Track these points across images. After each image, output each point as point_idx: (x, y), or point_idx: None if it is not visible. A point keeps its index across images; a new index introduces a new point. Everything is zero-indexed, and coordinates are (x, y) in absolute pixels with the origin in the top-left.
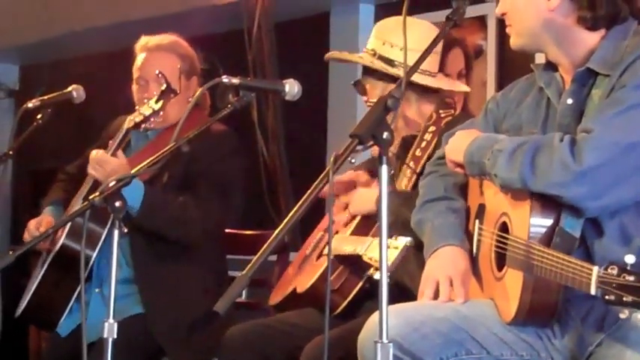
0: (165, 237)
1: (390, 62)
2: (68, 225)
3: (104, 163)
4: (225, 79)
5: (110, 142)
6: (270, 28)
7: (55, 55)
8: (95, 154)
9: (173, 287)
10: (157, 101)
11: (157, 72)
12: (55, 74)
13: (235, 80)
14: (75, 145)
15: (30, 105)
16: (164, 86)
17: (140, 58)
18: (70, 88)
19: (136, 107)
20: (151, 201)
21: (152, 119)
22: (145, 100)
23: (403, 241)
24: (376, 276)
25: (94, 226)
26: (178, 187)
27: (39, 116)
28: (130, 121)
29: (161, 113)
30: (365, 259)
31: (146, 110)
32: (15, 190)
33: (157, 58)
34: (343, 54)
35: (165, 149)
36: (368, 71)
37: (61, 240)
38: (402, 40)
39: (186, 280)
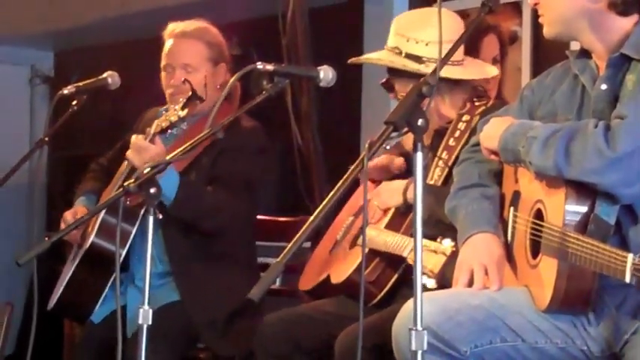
0: (198, 226)
1: (418, 59)
2: (98, 223)
3: (143, 150)
4: (259, 65)
5: (147, 129)
6: (304, 13)
7: (90, 42)
8: (136, 139)
9: (208, 276)
10: (182, 108)
11: (183, 80)
12: (89, 61)
13: (270, 66)
14: (110, 132)
15: (65, 91)
16: (190, 93)
17: (167, 45)
18: (105, 75)
19: (166, 95)
20: (186, 191)
21: (178, 126)
22: (171, 106)
23: (448, 244)
24: (424, 281)
25: (124, 224)
26: (205, 182)
27: (74, 103)
28: (157, 125)
29: (186, 122)
30: (410, 261)
31: (172, 116)
32: (50, 177)
33: (184, 45)
34: (370, 58)
35: (200, 136)
36: (395, 71)
37: (91, 238)
38: (426, 35)
39: (220, 270)
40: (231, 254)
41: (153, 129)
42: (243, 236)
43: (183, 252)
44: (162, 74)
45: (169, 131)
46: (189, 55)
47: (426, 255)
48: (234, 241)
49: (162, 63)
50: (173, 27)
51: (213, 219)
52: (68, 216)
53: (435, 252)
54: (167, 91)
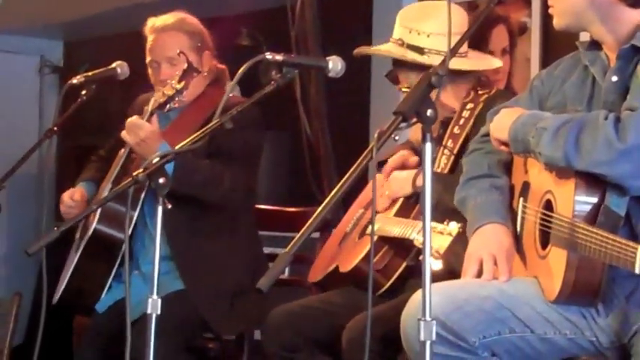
0: (200, 198)
1: (419, 50)
2: (99, 210)
3: (138, 128)
4: (268, 55)
5: (145, 107)
6: (313, 4)
7: (99, 32)
8: (131, 119)
9: (211, 261)
10: (179, 81)
11: (178, 51)
12: (99, 51)
13: (278, 57)
14: (119, 122)
15: (74, 81)
16: (185, 65)
17: (149, 41)
18: (114, 65)
19: (156, 89)
20: (183, 165)
21: (176, 98)
22: (168, 81)
23: (455, 226)
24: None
25: (122, 208)
26: (202, 157)
27: (83, 92)
28: (154, 102)
29: (184, 92)
30: (417, 244)
31: (169, 90)
32: (59, 167)
33: (165, 39)
34: (372, 49)
35: (209, 126)
36: (398, 61)
37: (93, 225)
38: (428, 27)
39: (223, 254)
40: (233, 236)
41: (150, 106)
42: (244, 218)
43: (184, 234)
44: (149, 71)
45: (168, 105)
46: (172, 47)
47: (432, 236)
48: (236, 223)
49: (147, 59)
50: (152, 22)
51: (213, 190)
52: (65, 196)
53: (442, 233)
54: (155, 86)
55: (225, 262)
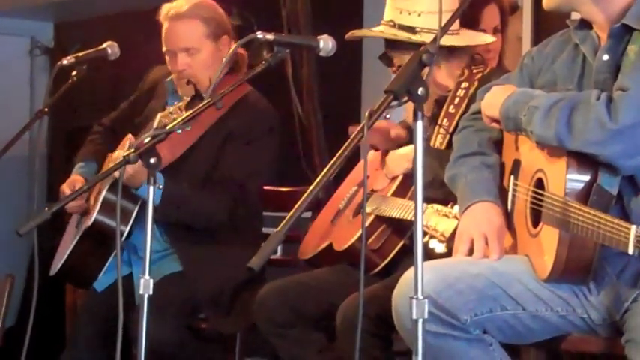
0: (190, 227)
1: (411, 30)
2: (100, 200)
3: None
4: (259, 34)
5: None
6: None
7: (90, 13)
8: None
9: (210, 249)
10: (186, 108)
11: (187, 81)
12: (90, 32)
13: (269, 36)
14: (110, 103)
15: (65, 62)
16: (193, 92)
17: (164, 29)
18: (104, 45)
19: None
20: (170, 195)
21: (178, 131)
22: (176, 103)
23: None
24: (433, 245)
25: (126, 202)
26: (209, 164)
27: (74, 73)
28: (159, 121)
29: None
30: None
31: (175, 114)
32: (51, 148)
33: (180, 28)
34: (364, 31)
35: (199, 106)
36: (392, 43)
37: (94, 216)
38: (418, 6)
39: (223, 245)
40: (234, 234)
41: (155, 124)
42: (249, 219)
43: (183, 230)
44: (166, 58)
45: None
46: (188, 37)
47: (438, 219)
48: (239, 223)
49: (164, 48)
50: (167, 9)
51: (202, 221)
52: (66, 189)
53: (447, 216)
54: (172, 74)
55: (227, 260)
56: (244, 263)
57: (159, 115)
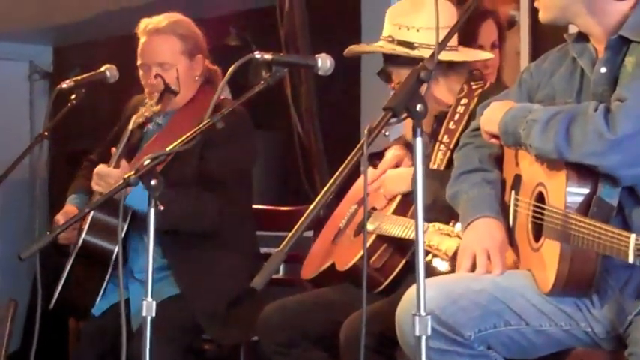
0: (179, 231)
1: (409, 45)
2: (89, 220)
3: (106, 176)
4: (257, 54)
5: (113, 149)
6: (301, 3)
7: (89, 36)
8: (97, 169)
9: (206, 266)
10: (157, 103)
11: (155, 75)
12: (89, 56)
13: (267, 56)
14: (110, 126)
15: (64, 85)
16: (162, 87)
17: (141, 42)
18: (103, 68)
19: (146, 92)
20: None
21: (155, 120)
22: (146, 101)
23: (461, 227)
24: (437, 264)
25: (111, 219)
26: (191, 171)
27: (73, 96)
28: (133, 122)
29: (162, 116)
30: None
31: (147, 112)
32: (51, 172)
33: (157, 43)
34: (362, 46)
35: (200, 126)
36: (390, 59)
37: (83, 235)
38: (417, 22)
39: (219, 259)
40: (229, 243)
41: (122, 143)
42: (241, 222)
43: (178, 245)
44: (140, 73)
45: (147, 127)
46: (163, 52)
47: (440, 238)
48: (231, 228)
49: (138, 62)
50: (145, 23)
51: (192, 223)
52: (60, 218)
53: (449, 235)
54: (146, 89)
55: (220, 267)
56: (241, 274)
57: (133, 117)
